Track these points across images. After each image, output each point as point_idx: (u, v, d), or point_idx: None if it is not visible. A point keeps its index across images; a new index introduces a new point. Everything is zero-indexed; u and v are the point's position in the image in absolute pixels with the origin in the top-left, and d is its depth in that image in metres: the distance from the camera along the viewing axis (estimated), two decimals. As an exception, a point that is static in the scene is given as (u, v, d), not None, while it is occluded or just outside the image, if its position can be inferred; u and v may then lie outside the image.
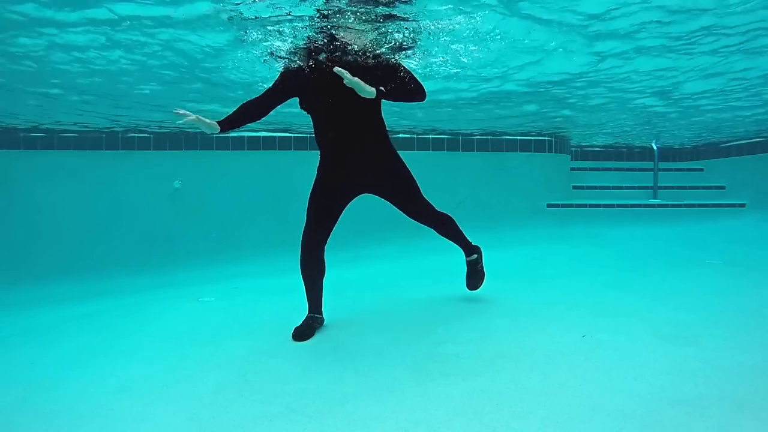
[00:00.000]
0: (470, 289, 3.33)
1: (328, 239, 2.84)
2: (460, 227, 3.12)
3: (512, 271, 4.55)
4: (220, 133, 2.64)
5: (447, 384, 2.10)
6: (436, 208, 2.99)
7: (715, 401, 1.83)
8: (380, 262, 5.49)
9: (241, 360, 2.52)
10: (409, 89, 2.66)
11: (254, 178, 6.53)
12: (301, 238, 2.79)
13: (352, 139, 2.68)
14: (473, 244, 3.25)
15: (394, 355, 2.47)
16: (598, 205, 7.24)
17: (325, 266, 2.87)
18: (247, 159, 6.59)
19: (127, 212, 6.33)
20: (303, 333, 2.78)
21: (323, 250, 2.84)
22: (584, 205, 7.23)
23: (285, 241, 6.05)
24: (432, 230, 3.08)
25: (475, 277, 3.28)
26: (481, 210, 6.65)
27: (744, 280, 3.85)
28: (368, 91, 2.39)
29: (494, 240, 6.20)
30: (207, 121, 2.57)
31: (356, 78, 2.35)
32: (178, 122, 2.58)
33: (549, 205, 7.14)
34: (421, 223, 3.00)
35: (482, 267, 3.29)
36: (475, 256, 3.23)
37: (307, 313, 2.93)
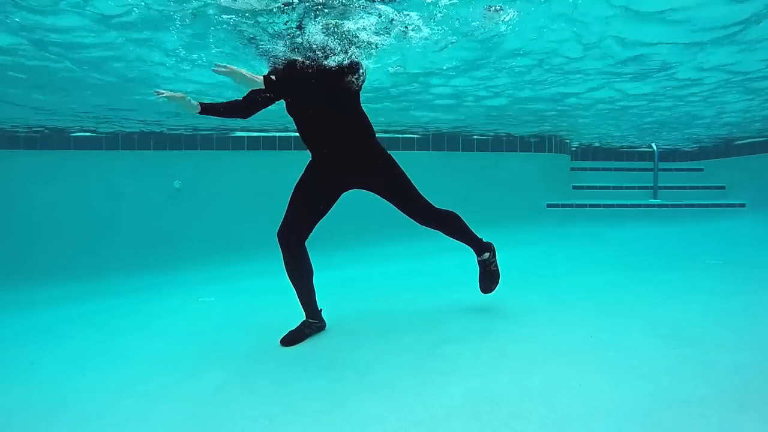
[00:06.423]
0: (484, 292, 3.01)
1: (308, 237, 2.72)
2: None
3: (512, 271, 4.54)
4: (199, 113, 2.50)
5: (447, 384, 2.10)
6: (437, 207, 2.83)
7: (715, 401, 1.83)
8: (381, 263, 5.49)
9: (241, 360, 2.52)
10: None
11: (254, 178, 6.53)
12: (278, 233, 2.68)
13: (332, 140, 2.58)
14: (485, 241, 2.99)
15: (394, 355, 2.47)
16: (598, 205, 7.24)
17: (311, 265, 2.75)
18: (247, 159, 6.60)
19: (127, 212, 6.32)
20: (290, 339, 2.73)
21: (304, 249, 2.72)
22: (584, 205, 7.23)
23: (285, 241, 6.11)
24: (438, 231, 2.90)
25: (487, 278, 2.98)
26: (481, 210, 6.63)
27: (744, 280, 3.85)
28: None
29: (494, 240, 6.17)
30: (191, 102, 2.45)
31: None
32: (159, 100, 2.44)
33: (549, 205, 7.14)
34: (423, 225, 2.83)
35: (496, 266, 2.99)
36: (487, 255, 2.95)
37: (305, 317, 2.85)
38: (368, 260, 5.62)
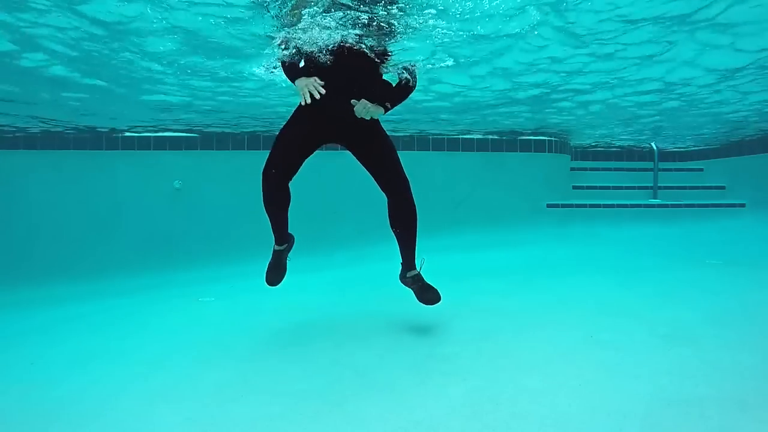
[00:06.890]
0: (430, 304, 2.76)
1: (293, 177, 2.64)
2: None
3: (512, 271, 4.55)
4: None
5: (447, 384, 2.10)
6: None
7: (715, 401, 1.83)
8: (381, 262, 5.47)
9: (241, 360, 2.52)
10: (408, 90, 2.64)
11: (254, 178, 6.52)
12: (265, 170, 2.58)
13: (353, 94, 2.51)
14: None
15: (394, 355, 2.47)
16: (598, 205, 7.24)
17: (290, 197, 2.66)
18: (246, 159, 6.59)
19: (127, 212, 6.32)
20: (276, 276, 2.68)
21: (288, 187, 2.64)
22: (584, 205, 7.22)
23: (285, 241, 6.11)
24: (394, 220, 2.67)
25: (428, 289, 2.76)
26: (481, 210, 6.64)
27: (744, 280, 3.85)
28: (379, 112, 2.50)
29: (494, 240, 6.20)
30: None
31: (366, 106, 2.44)
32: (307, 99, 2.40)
33: (549, 205, 7.14)
34: (387, 188, 2.63)
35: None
36: (417, 271, 2.80)
37: (274, 246, 2.71)
38: (367, 260, 5.60)
